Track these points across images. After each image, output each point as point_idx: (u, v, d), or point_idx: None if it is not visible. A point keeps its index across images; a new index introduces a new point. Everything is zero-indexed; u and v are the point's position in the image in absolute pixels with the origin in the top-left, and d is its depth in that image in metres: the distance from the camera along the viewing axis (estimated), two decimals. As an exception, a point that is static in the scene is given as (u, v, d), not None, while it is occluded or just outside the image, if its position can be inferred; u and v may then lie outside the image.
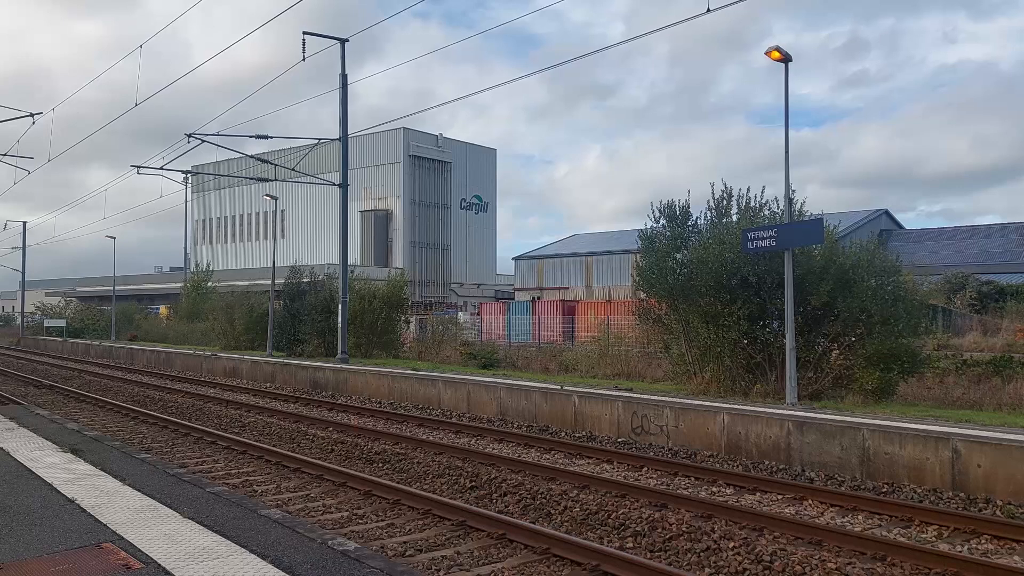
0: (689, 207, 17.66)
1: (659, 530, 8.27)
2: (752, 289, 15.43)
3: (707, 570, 7.30)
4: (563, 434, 14.88)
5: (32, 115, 23.15)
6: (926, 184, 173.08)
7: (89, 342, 48.45)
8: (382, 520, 8.94)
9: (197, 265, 59.68)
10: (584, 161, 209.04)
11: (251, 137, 26.53)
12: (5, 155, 30.35)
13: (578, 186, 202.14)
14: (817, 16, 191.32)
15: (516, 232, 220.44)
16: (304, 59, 23.31)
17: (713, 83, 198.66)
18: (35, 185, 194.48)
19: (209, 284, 50.38)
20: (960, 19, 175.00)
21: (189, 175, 49.62)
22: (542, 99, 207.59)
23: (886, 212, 58.57)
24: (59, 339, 53.41)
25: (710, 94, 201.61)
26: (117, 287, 56.60)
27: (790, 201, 14.83)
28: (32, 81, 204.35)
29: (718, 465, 11.88)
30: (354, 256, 54.72)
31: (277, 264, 32.89)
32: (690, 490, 10.31)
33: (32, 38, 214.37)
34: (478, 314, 46.75)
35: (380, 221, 64.93)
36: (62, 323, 57.38)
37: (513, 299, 56.14)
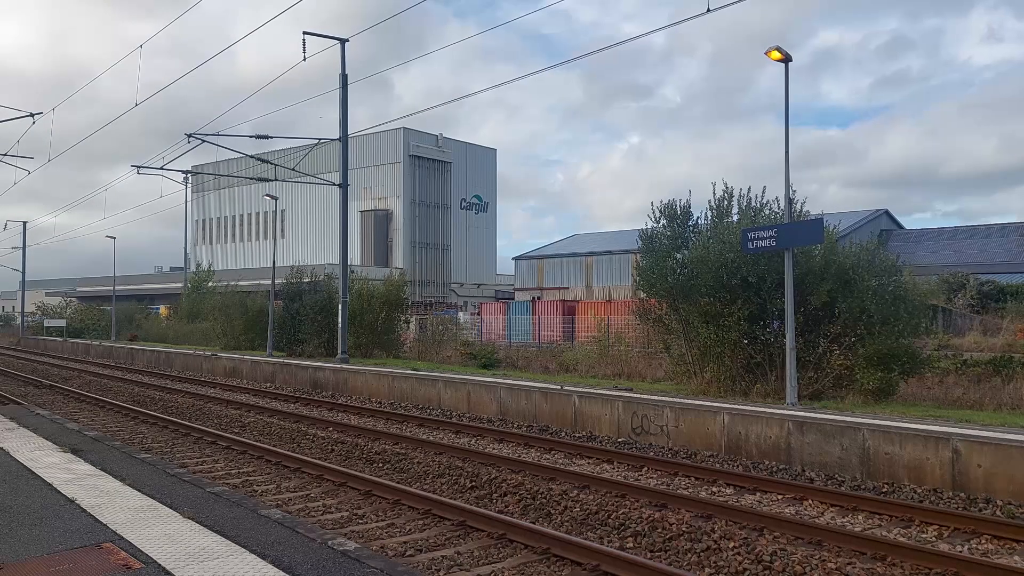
0: (690, 207, 17.69)
1: (659, 530, 8.27)
2: (752, 289, 15.42)
3: (707, 570, 7.30)
4: (563, 434, 14.88)
5: (32, 115, 23.14)
6: (948, 184, 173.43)
7: (89, 342, 48.45)
8: (382, 520, 8.95)
9: (198, 265, 59.66)
10: (609, 161, 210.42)
11: (251, 137, 26.55)
12: (5, 155, 30.34)
13: (600, 186, 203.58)
14: (863, 14, 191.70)
15: (531, 232, 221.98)
16: (304, 59, 23.33)
17: (751, 83, 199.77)
18: (59, 185, 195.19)
19: (210, 284, 50.37)
20: (1006, 17, 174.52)
21: (189, 175, 49.59)
22: (577, 100, 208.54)
23: (886, 212, 58.55)
24: (59, 339, 53.42)
25: (746, 94, 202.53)
26: (117, 287, 56.60)
27: (790, 201, 14.83)
28: (75, 82, 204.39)
29: (718, 465, 11.88)
30: (354, 256, 54.69)
31: (277, 264, 32.89)
32: (690, 490, 10.31)
33: (79, 39, 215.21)
34: (478, 314, 46.74)
35: (380, 221, 64.93)
36: (62, 323, 57.39)
37: (513, 299, 56.13)
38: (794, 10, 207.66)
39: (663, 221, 17.69)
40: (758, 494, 10.14)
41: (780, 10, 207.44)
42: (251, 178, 33.94)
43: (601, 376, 21.42)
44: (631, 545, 8.06)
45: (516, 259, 64.28)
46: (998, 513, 9.07)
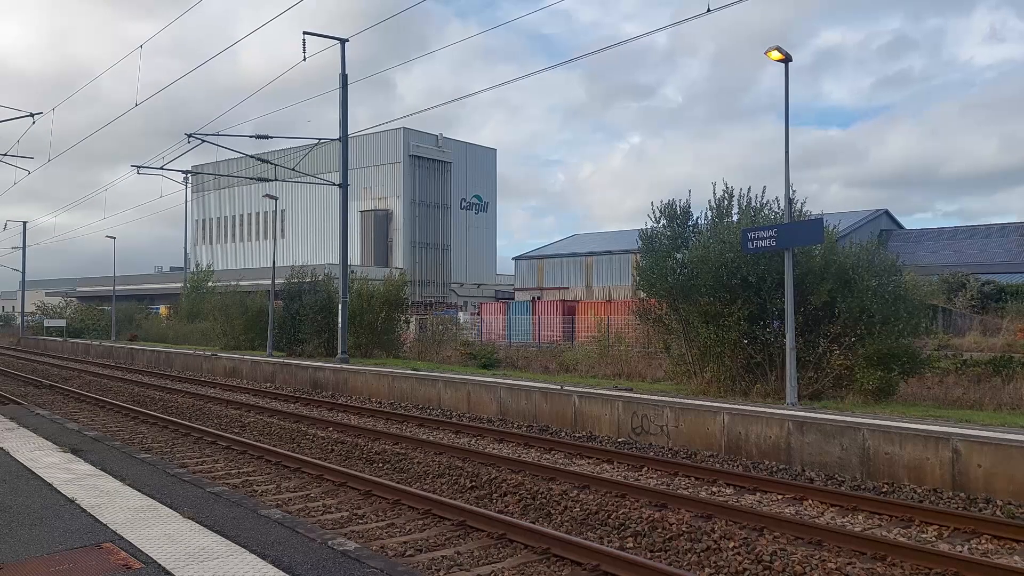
0: (690, 207, 17.70)
1: (659, 530, 8.27)
2: (752, 289, 15.42)
3: (707, 570, 7.30)
4: (563, 434, 14.88)
5: (32, 115, 23.14)
6: (949, 184, 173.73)
7: (89, 342, 48.44)
8: (382, 520, 8.95)
9: (197, 265, 59.66)
10: (610, 161, 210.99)
11: (251, 137, 26.56)
12: (5, 155, 30.34)
13: (600, 186, 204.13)
14: (865, 14, 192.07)
15: (531, 232, 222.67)
16: (304, 59, 23.32)
17: (753, 83, 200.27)
18: (59, 185, 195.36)
19: (209, 284, 50.36)
20: (1008, 16, 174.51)
21: (189, 175, 49.60)
22: (579, 100, 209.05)
23: (886, 212, 58.57)
24: (59, 339, 53.41)
25: (747, 94, 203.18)
26: (117, 287, 56.58)
27: (790, 201, 14.84)
28: (76, 82, 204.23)
29: (718, 465, 11.88)
30: (354, 256, 54.69)
31: (277, 264, 32.88)
32: (690, 490, 10.31)
33: (80, 39, 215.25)
34: (478, 314, 46.74)
35: (380, 221, 64.94)
36: (62, 323, 57.39)
37: (513, 299, 56.13)
38: (796, 10, 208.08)
39: (663, 221, 17.69)
40: (758, 494, 10.13)
41: (782, 10, 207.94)
42: (251, 178, 33.94)
43: (601, 376, 21.42)
44: (631, 545, 8.06)
45: (516, 259, 64.29)
46: (998, 513, 9.07)
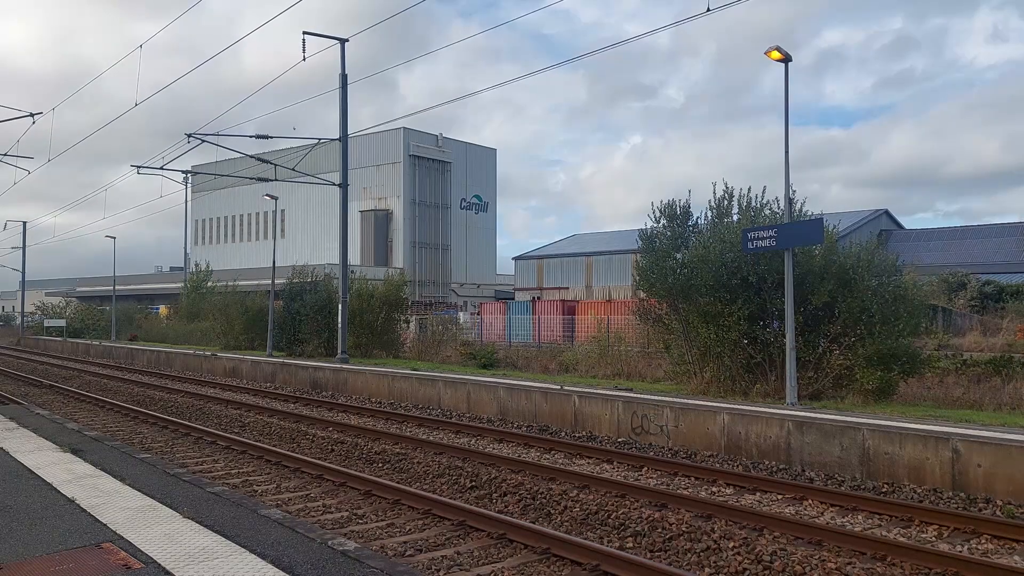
0: (690, 207, 17.70)
1: (659, 530, 8.27)
2: (752, 289, 15.43)
3: (707, 570, 7.30)
4: (563, 434, 14.88)
5: (32, 115, 23.15)
6: (950, 184, 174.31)
7: (89, 342, 48.44)
8: (382, 520, 8.95)
9: (197, 265, 59.68)
10: (611, 161, 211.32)
11: (251, 137, 26.57)
12: (5, 155, 30.35)
13: (602, 186, 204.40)
14: (867, 14, 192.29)
15: (532, 232, 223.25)
16: (304, 59, 23.34)
17: (755, 83, 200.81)
18: (60, 185, 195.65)
19: (209, 284, 50.35)
20: (1010, 16, 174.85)
21: (189, 175, 49.62)
22: (581, 100, 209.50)
23: (886, 212, 58.60)
24: (59, 339, 53.41)
25: (750, 94, 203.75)
26: (117, 287, 56.58)
27: (790, 201, 14.84)
28: (82, 82, 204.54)
29: (718, 465, 11.88)
30: (354, 256, 54.71)
31: (277, 264, 32.88)
32: (690, 490, 10.31)
33: (86, 39, 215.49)
34: (478, 314, 46.73)
35: (380, 221, 64.95)
36: (62, 323, 57.38)
37: (513, 299, 56.12)
38: (798, 10, 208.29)
39: (663, 221, 17.70)
40: (758, 494, 10.13)
41: (784, 10, 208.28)
42: (251, 178, 33.94)
43: (601, 376, 21.42)
44: (631, 545, 8.06)
45: (516, 259, 64.31)
46: (998, 513, 9.07)
